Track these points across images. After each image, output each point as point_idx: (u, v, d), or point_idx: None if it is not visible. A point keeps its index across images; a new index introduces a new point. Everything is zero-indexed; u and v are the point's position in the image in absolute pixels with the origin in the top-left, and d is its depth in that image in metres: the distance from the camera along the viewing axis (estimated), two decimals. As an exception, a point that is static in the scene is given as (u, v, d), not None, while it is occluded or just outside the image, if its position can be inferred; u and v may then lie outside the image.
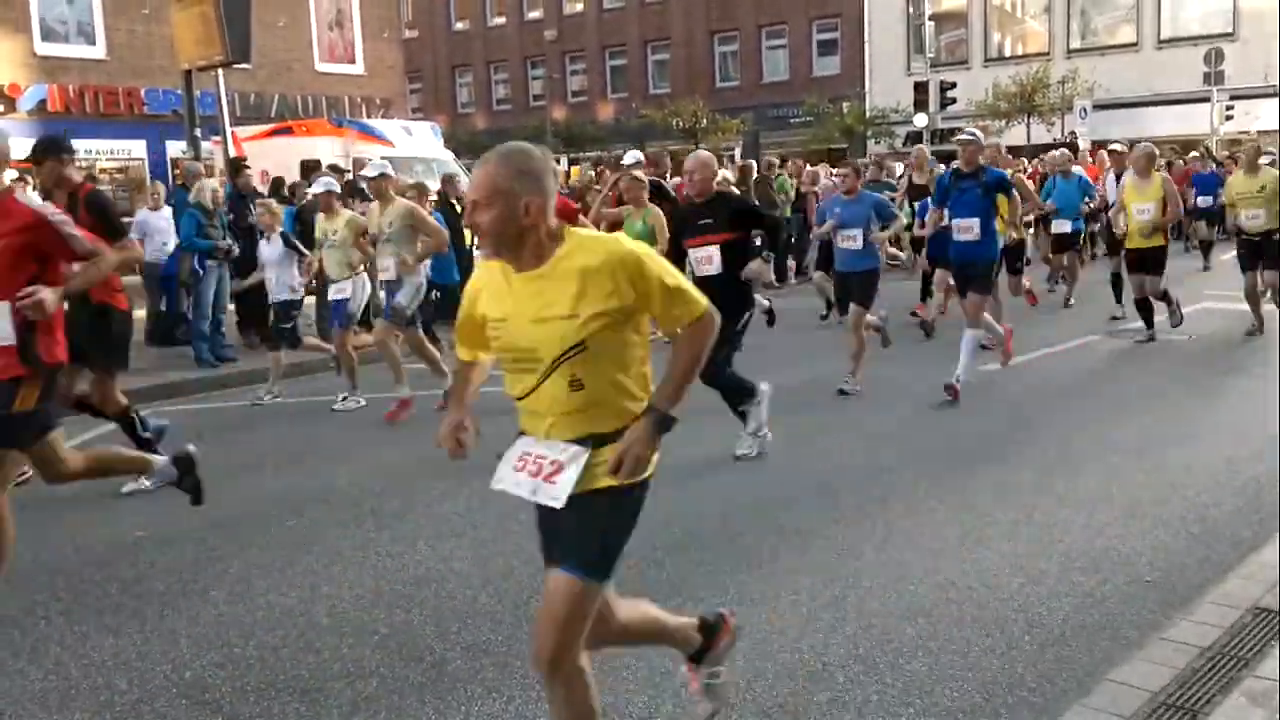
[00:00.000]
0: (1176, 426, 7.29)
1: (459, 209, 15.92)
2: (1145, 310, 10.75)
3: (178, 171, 13.45)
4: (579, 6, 43.53)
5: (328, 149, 19.02)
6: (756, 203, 13.12)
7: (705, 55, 40.69)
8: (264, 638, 4.32)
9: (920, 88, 29.61)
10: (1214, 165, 19.58)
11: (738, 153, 33.59)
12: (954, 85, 30.29)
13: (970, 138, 8.90)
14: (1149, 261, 10.47)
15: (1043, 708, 3.56)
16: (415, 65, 42.41)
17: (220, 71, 15.11)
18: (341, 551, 5.33)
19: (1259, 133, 27.78)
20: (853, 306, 8.93)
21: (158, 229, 11.50)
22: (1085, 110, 28.89)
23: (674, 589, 4.66)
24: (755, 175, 17.22)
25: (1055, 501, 5.72)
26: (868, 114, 35.64)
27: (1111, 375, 9.14)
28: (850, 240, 8.92)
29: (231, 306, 11.58)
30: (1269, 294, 10.58)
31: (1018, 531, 5.27)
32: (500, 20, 45.51)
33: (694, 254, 6.89)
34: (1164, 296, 10.70)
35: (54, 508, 5.98)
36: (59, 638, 4.40)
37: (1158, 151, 10.88)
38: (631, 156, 12.30)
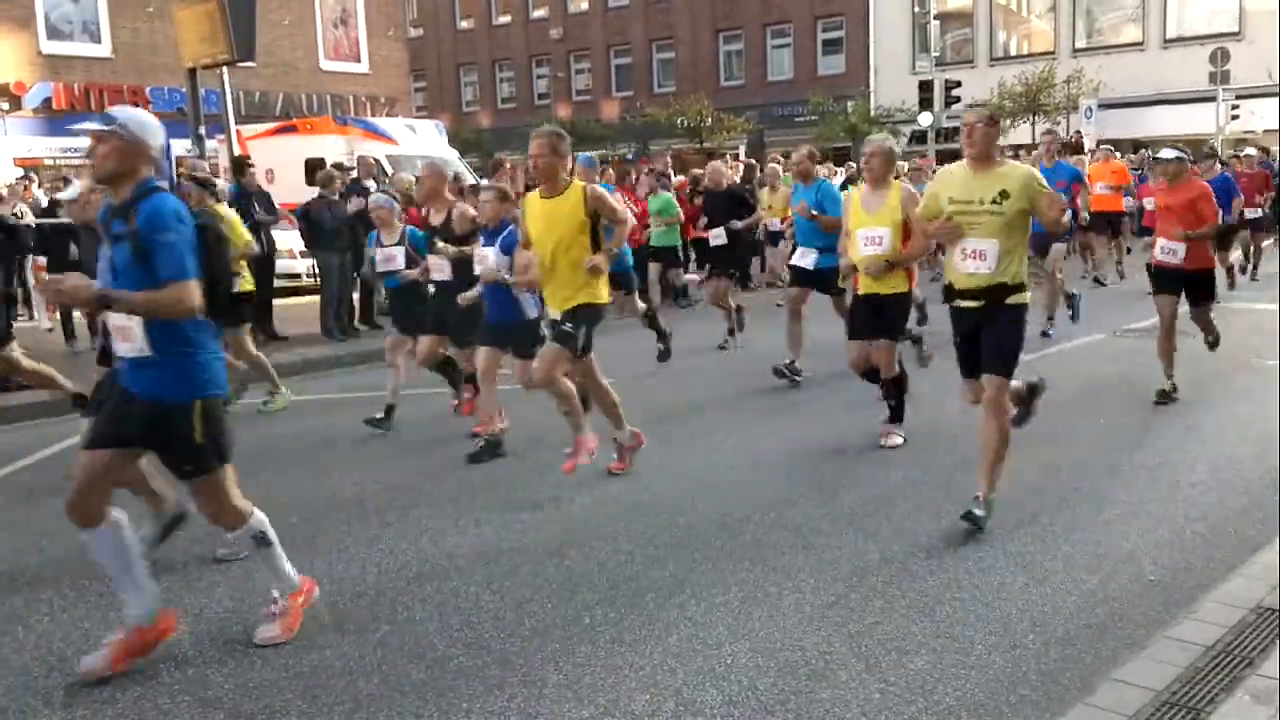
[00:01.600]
0: (1179, 425, 7.27)
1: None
2: (878, 380, 7.19)
3: (182, 170, 13.45)
4: (584, 5, 43.47)
5: (332, 147, 19.07)
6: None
7: (710, 54, 40.63)
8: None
9: (925, 86, 29.51)
10: (1220, 165, 18.92)
11: (742, 151, 33.58)
12: (959, 84, 30.18)
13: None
14: (883, 318, 6.95)
15: (1046, 706, 3.56)
16: (420, 63, 42.44)
17: (225, 70, 15.13)
18: (344, 549, 5.33)
19: (1264, 131, 27.74)
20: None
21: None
22: (1091, 109, 28.85)
23: (676, 586, 4.67)
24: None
25: (1058, 501, 5.71)
26: (873, 113, 35.59)
27: (1113, 374, 9.12)
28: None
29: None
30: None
31: (1021, 531, 5.26)
32: (505, 19, 45.48)
33: None
34: (894, 386, 7.08)
35: (56, 504, 5.97)
36: (63, 634, 4.41)
37: (900, 150, 7.09)
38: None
